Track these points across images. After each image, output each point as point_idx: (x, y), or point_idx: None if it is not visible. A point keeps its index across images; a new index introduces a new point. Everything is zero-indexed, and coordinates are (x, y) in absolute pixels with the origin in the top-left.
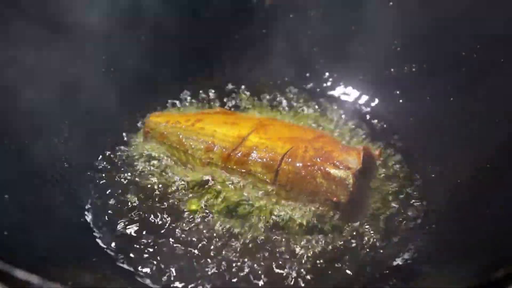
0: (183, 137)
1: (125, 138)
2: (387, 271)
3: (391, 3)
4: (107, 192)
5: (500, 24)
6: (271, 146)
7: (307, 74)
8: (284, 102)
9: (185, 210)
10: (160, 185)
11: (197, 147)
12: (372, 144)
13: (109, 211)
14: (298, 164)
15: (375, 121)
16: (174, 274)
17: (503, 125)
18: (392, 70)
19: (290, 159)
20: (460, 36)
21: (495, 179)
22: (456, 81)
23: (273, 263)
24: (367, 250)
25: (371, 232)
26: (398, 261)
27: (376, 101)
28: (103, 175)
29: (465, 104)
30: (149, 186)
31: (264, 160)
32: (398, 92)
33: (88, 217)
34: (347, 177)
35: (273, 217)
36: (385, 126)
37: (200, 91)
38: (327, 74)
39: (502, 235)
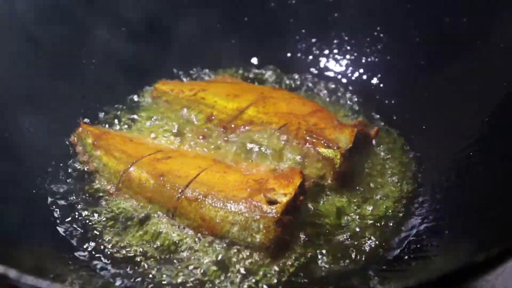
0: (184, 107)
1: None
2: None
3: None
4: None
5: None
6: (266, 121)
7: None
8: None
9: None
10: None
11: (196, 117)
12: (370, 121)
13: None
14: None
15: (377, 97)
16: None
17: (497, 92)
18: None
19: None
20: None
21: (491, 151)
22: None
23: None
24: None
25: (368, 209)
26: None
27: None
28: None
29: (457, 75)
30: None
31: None
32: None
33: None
34: (335, 157)
35: None
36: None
37: None
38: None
39: (500, 209)
